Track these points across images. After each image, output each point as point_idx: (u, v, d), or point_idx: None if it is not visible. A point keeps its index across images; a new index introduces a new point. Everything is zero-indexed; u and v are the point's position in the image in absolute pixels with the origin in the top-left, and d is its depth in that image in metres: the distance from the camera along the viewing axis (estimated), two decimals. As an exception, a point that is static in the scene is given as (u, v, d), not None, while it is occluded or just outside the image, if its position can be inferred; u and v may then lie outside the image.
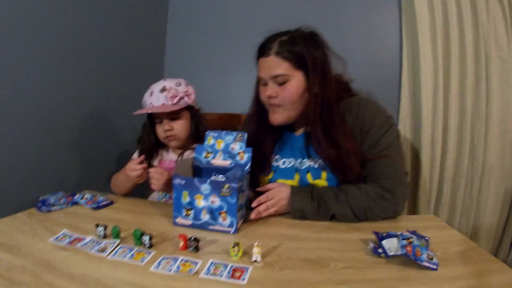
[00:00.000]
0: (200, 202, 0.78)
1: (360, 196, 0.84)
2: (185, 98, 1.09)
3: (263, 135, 0.91)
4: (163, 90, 1.06)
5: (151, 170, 0.97)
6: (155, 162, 1.17)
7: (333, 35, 1.62)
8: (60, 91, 1.25)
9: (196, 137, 1.13)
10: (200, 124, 1.15)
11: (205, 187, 0.76)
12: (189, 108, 1.13)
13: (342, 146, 0.85)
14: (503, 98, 1.51)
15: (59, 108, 1.25)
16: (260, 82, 0.94)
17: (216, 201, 0.77)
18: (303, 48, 0.84)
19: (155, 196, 1.15)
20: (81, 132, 1.36)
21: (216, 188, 0.76)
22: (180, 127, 1.10)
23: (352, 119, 0.89)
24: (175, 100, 1.06)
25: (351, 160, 0.85)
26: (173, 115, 1.09)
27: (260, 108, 0.96)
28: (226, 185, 0.75)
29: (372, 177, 0.87)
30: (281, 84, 0.87)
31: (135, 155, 1.17)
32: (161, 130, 1.10)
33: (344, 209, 0.83)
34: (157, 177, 0.96)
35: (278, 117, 0.91)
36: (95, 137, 1.45)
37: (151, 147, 1.13)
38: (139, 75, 1.67)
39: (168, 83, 1.08)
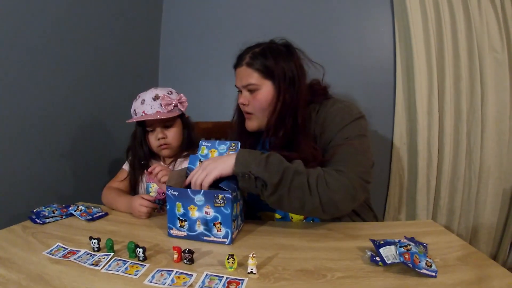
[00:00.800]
0: (194, 213, 0.77)
1: (314, 169, 0.81)
2: (179, 106, 1.09)
3: (243, 141, 0.95)
4: (156, 98, 1.05)
5: (157, 167, 0.97)
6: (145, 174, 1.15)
7: (326, 41, 1.65)
8: (52, 101, 1.24)
9: (187, 145, 1.13)
10: (191, 132, 1.15)
11: (199, 198, 0.76)
12: (180, 116, 1.13)
13: (302, 149, 0.87)
14: (498, 99, 1.52)
15: (52, 119, 1.25)
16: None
17: (210, 212, 0.76)
18: (271, 59, 0.90)
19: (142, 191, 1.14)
20: (74, 142, 1.35)
21: (210, 198, 0.75)
22: (173, 135, 1.10)
23: (316, 119, 0.92)
24: (170, 107, 1.06)
25: (311, 163, 0.84)
26: (167, 123, 1.09)
27: (240, 115, 1.02)
28: (220, 196, 0.74)
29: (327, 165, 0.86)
30: (252, 92, 0.93)
31: (125, 166, 1.16)
32: (154, 139, 1.09)
33: (299, 167, 0.79)
34: (165, 173, 0.96)
35: (251, 124, 0.97)
36: (88, 147, 1.44)
37: (145, 158, 1.11)
38: (133, 85, 1.66)
39: (160, 91, 1.08)
